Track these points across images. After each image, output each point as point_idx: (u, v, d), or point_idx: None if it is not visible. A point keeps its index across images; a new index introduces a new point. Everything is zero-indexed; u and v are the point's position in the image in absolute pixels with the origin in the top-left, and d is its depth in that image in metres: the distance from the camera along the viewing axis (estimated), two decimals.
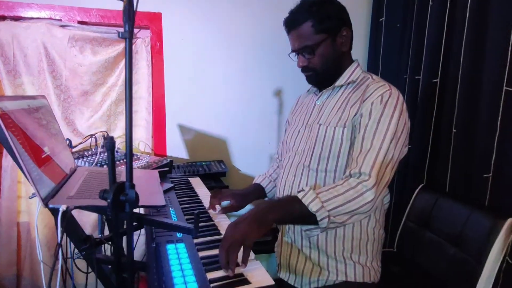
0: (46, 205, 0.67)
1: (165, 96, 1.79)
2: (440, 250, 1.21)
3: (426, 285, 1.25)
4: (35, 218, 1.48)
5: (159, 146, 1.81)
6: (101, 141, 1.52)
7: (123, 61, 1.69)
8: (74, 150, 1.48)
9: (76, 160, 1.28)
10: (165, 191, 1.20)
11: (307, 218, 0.83)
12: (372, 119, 0.89)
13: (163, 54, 1.75)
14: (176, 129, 1.83)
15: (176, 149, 1.85)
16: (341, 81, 1.02)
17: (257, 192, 1.22)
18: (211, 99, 1.86)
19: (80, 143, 1.52)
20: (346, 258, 0.96)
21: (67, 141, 1.35)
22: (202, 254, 0.79)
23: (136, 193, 0.65)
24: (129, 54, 0.61)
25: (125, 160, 1.35)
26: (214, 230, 0.93)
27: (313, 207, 0.81)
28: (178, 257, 0.75)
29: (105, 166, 1.25)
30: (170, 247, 0.79)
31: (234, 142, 1.93)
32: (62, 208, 0.67)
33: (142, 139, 1.78)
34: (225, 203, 1.11)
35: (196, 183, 1.41)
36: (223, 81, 1.87)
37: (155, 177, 0.99)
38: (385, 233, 1.04)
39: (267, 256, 1.95)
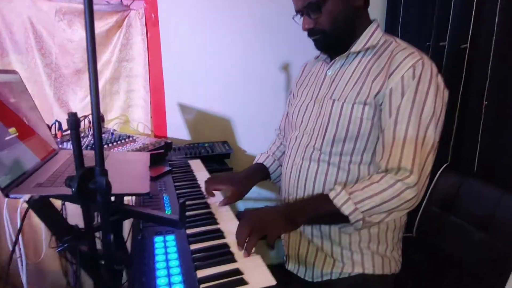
0: (6, 195, 0.58)
1: (164, 73, 1.67)
2: (466, 235, 1.09)
3: (449, 273, 1.13)
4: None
5: (159, 127, 1.71)
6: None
7: (117, 36, 1.57)
8: (67, 133, 1.39)
9: (65, 143, 1.19)
10: (161, 175, 1.10)
11: (339, 219, 0.76)
12: (405, 98, 0.75)
13: (159, 27, 1.61)
14: (176, 108, 1.72)
15: (178, 130, 1.74)
16: (357, 46, 0.85)
17: (260, 173, 1.07)
18: (213, 75, 1.73)
19: None
20: (363, 248, 0.85)
21: (56, 123, 1.26)
22: (194, 247, 0.69)
23: (108, 181, 0.54)
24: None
25: (119, 142, 1.25)
26: (210, 219, 0.82)
27: (345, 210, 0.74)
28: (165, 252, 0.65)
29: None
30: (158, 240, 0.69)
31: (239, 122, 1.81)
32: (24, 198, 0.57)
33: (141, 120, 1.67)
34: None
35: (196, 166, 1.31)
36: (226, 55, 1.72)
37: (144, 161, 0.89)
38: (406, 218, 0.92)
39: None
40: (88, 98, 1.57)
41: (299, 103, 0.96)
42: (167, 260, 0.63)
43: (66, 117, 1.46)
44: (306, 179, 0.87)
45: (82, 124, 1.41)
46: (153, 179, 1.07)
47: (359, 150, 0.81)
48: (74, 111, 1.57)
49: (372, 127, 0.79)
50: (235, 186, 0.96)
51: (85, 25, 0.50)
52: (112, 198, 0.80)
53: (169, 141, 1.40)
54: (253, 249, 0.68)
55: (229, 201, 0.93)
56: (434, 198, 1.24)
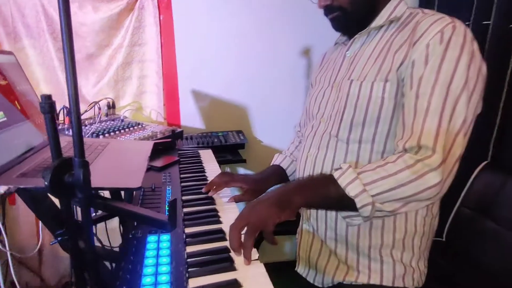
0: None
1: (177, 58, 1.59)
2: (504, 244, 0.96)
3: (482, 284, 1.01)
4: None
5: (172, 114, 1.65)
6: (104, 109, 1.38)
7: (128, 19, 1.51)
8: (81, 117, 1.36)
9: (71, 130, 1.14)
10: (167, 166, 1.04)
11: (344, 203, 0.63)
12: (430, 66, 0.62)
13: (172, 9, 1.53)
14: (190, 95, 1.65)
15: (191, 118, 1.67)
16: (378, 21, 0.74)
17: (277, 175, 0.99)
18: (228, 61, 1.64)
19: (85, 111, 1.40)
20: (384, 255, 0.75)
21: (64, 109, 1.22)
22: (190, 249, 0.62)
23: (87, 173, 0.47)
24: None
25: (127, 130, 1.20)
26: (213, 217, 0.75)
27: (351, 191, 0.62)
28: (156, 254, 0.58)
29: (101, 137, 1.11)
30: (151, 239, 0.63)
31: (255, 110, 1.72)
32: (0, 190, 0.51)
33: (154, 107, 1.62)
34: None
35: (207, 156, 1.23)
36: (242, 39, 1.62)
37: (145, 151, 0.82)
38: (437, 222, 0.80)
39: (289, 238, 1.78)
40: (101, 84, 1.54)
41: (316, 91, 0.87)
42: (156, 265, 0.55)
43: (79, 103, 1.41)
44: (322, 170, 0.77)
45: (92, 110, 1.37)
46: (158, 169, 1.01)
47: (381, 136, 0.70)
48: (86, 96, 1.54)
49: (396, 107, 0.68)
50: (249, 185, 0.89)
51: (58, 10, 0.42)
52: (106, 194, 0.75)
53: (179, 129, 1.34)
54: (255, 255, 0.60)
55: (240, 198, 0.86)
56: (469, 199, 1.10)
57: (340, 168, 0.66)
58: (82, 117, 1.38)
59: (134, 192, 0.80)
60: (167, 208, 0.76)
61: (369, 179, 0.62)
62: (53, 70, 1.47)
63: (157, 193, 0.85)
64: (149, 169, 1.01)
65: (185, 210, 0.78)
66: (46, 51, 1.46)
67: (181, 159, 1.14)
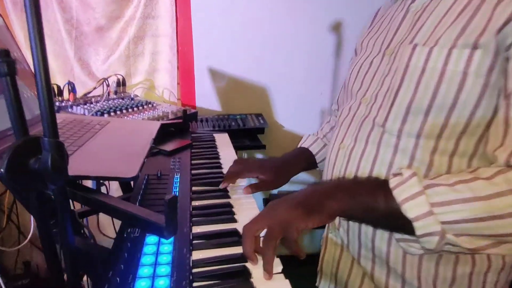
0: None
1: (193, 33, 1.46)
2: None
3: None
4: None
5: (187, 95, 1.52)
6: (113, 87, 1.27)
7: None
8: (89, 95, 1.26)
9: (77, 108, 1.04)
10: (177, 150, 0.92)
11: (396, 223, 0.47)
12: None
13: None
14: (206, 74, 1.51)
15: (207, 98, 1.54)
16: None
17: (302, 161, 0.82)
18: (249, 37, 1.48)
19: (94, 88, 1.29)
20: None
21: (68, 85, 1.12)
22: (197, 256, 0.50)
23: (57, 158, 0.35)
24: None
25: (135, 109, 1.08)
26: (226, 214, 0.62)
27: (410, 210, 0.44)
28: (154, 261, 0.46)
29: (106, 116, 1.00)
30: (150, 241, 0.51)
31: (277, 92, 1.57)
32: None
33: (167, 86, 1.50)
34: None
35: (222, 141, 1.10)
36: (264, 13, 1.46)
37: (148, 133, 0.70)
38: None
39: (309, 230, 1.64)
40: (112, 59, 1.42)
41: (361, 60, 0.68)
42: (153, 277, 0.43)
43: (88, 79, 1.31)
44: (357, 170, 0.60)
45: (100, 88, 1.27)
46: (168, 153, 0.89)
47: (454, 131, 0.50)
48: (96, 73, 1.44)
49: (487, 89, 0.47)
50: (265, 175, 0.72)
51: None
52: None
53: (193, 110, 1.21)
54: (278, 267, 0.47)
55: (256, 188, 0.71)
56: None
57: (400, 174, 0.47)
58: (90, 94, 1.28)
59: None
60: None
61: (442, 197, 0.43)
62: (61, 44, 1.37)
63: (163, 182, 0.73)
64: (157, 152, 0.90)
65: (194, 203, 0.66)
66: (53, 22, 1.35)
67: (194, 143, 1.02)
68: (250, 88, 1.54)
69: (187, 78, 1.50)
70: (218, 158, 0.93)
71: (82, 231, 0.67)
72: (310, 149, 0.84)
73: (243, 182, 0.77)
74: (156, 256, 0.48)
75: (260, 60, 1.51)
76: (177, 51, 1.45)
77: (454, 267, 0.54)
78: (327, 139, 0.86)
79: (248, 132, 1.40)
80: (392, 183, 0.47)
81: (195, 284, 0.44)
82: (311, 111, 1.59)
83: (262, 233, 0.49)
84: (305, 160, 0.83)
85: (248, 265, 0.48)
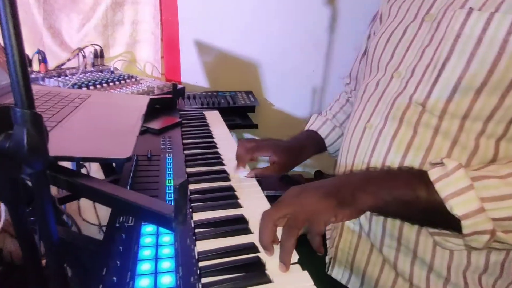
0: None
1: (178, 1, 1.34)
2: None
3: None
4: None
5: (172, 69, 1.42)
6: (90, 56, 1.15)
7: None
8: (63, 67, 1.13)
9: (49, 80, 0.93)
10: (167, 128, 0.84)
11: (439, 219, 0.43)
12: None
13: None
14: (192, 47, 1.41)
15: (193, 74, 1.45)
16: None
17: (313, 145, 0.76)
18: (238, 9, 1.38)
19: (68, 59, 1.16)
20: (470, 280, 0.52)
21: (39, 54, 0.99)
22: (202, 247, 0.44)
23: (34, 134, 0.27)
24: None
25: (117, 83, 0.98)
26: (230, 198, 0.56)
27: (457, 206, 0.40)
28: (155, 255, 0.40)
29: (84, 89, 0.89)
30: (147, 231, 0.44)
31: (267, 68, 1.49)
32: None
33: (149, 60, 1.38)
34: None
35: (214, 119, 1.03)
36: None
37: (137, 108, 0.61)
38: None
39: None
40: (87, 28, 1.29)
41: (390, 28, 0.60)
42: (155, 273, 0.37)
43: (60, 50, 1.17)
44: (388, 152, 0.53)
45: (74, 60, 1.14)
46: (156, 132, 0.81)
47: (508, 114, 0.45)
48: (69, 43, 1.30)
49: None
50: (279, 156, 0.65)
51: None
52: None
53: (181, 85, 1.12)
54: (294, 256, 0.43)
55: (262, 173, 0.65)
56: None
57: (441, 163, 0.42)
58: (64, 67, 1.15)
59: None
60: (168, 187, 0.57)
61: (493, 192, 0.39)
62: (27, 7, 1.21)
63: (155, 163, 0.66)
64: (144, 131, 0.82)
65: (191, 187, 0.59)
66: None
67: (184, 121, 0.94)
68: (239, 63, 1.46)
69: (172, 51, 1.39)
70: (211, 137, 0.86)
71: (63, 218, 0.59)
72: (319, 132, 0.78)
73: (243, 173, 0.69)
74: (156, 249, 0.41)
75: (250, 33, 1.42)
76: (161, 20, 1.33)
77: (487, 256, 0.51)
78: (337, 121, 0.79)
79: (239, 110, 1.33)
80: (433, 175, 0.42)
81: (203, 280, 0.38)
82: (303, 89, 1.53)
83: None
84: (315, 144, 0.76)
85: (263, 255, 0.43)
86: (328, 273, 0.67)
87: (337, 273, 0.66)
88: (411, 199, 0.42)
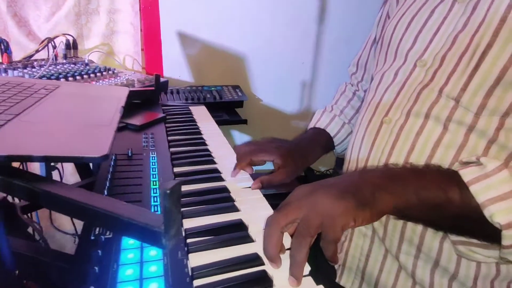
0: None
1: None
2: None
3: None
4: None
5: (153, 62, 1.32)
6: (61, 47, 1.05)
7: None
8: (32, 59, 1.02)
9: (11, 72, 0.82)
10: (149, 124, 0.76)
11: (473, 226, 0.37)
12: None
13: None
14: (175, 39, 1.32)
15: (176, 68, 1.36)
16: None
17: (321, 145, 0.68)
18: None
19: (37, 50, 1.05)
20: (498, 286, 0.47)
21: (1, 43, 0.89)
22: (196, 260, 0.37)
23: None
24: None
25: (92, 76, 0.89)
26: (226, 201, 0.49)
27: (499, 215, 0.34)
28: (139, 275, 0.33)
29: (62, 79, 0.80)
30: (129, 244, 0.37)
31: (255, 61, 1.42)
32: None
33: (129, 52, 1.28)
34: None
35: (200, 114, 0.96)
36: None
37: (115, 100, 0.53)
38: None
39: None
40: (57, 17, 1.18)
41: (412, 9, 0.53)
42: None
43: (28, 40, 1.06)
44: (411, 151, 0.47)
45: (43, 52, 1.04)
46: (137, 129, 0.73)
47: None
48: (37, 33, 1.19)
49: None
50: (285, 160, 0.56)
51: None
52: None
53: (164, 79, 1.04)
54: (307, 269, 0.36)
55: (273, 180, 0.54)
56: None
57: (478, 163, 0.37)
58: (32, 58, 1.04)
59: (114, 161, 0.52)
60: (154, 190, 0.49)
61: None
62: None
63: (137, 163, 0.58)
64: (124, 128, 0.73)
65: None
66: None
67: (168, 117, 0.86)
68: (225, 56, 1.38)
69: (153, 43, 1.30)
70: (199, 133, 0.78)
71: (31, 230, 0.50)
72: (327, 130, 0.70)
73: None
74: (140, 267, 0.34)
75: (236, 24, 1.35)
76: (140, 9, 1.24)
77: None
78: (346, 117, 0.72)
79: (226, 105, 1.26)
80: (468, 175, 0.36)
81: None
82: (292, 82, 1.47)
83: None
84: (324, 145, 0.69)
85: (268, 268, 0.36)
86: (337, 281, 0.61)
87: (346, 281, 0.60)
88: (441, 202, 0.36)
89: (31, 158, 0.28)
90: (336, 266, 0.62)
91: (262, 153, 0.57)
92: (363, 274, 0.57)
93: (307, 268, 0.37)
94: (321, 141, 0.69)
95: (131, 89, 0.81)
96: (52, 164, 0.78)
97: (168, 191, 0.22)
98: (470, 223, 0.36)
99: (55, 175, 0.82)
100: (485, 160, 0.37)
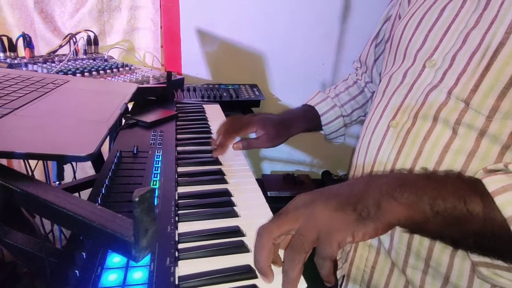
0: None
1: None
2: None
3: None
4: None
5: (172, 60, 1.33)
6: (82, 43, 1.07)
7: None
8: (56, 53, 1.05)
9: (31, 66, 0.85)
10: (159, 122, 0.75)
11: (499, 245, 0.32)
12: None
13: None
14: (194, 37, 1.32)
15: (195, 65, 1.36)
16: None
17: (306, 120, 0.71)
18: None
19: (60, 45, 1.08)
20: None
21: (24, 38, 0.91)
22: (186, 269, 0.35)
23: None
24: None
25: (108, 72, 0.90)
26: (224, 205, 0.47)
27: None
28: (122, 282, 0.31)
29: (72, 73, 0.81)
30: (111, 262, 0.35)
31: (274, 61, 1.39)
32: None
33: (149, 49, 1.30)
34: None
35: (214, 113, 0.94)
36: None
37: (120, 96, 0.52)
38: None
39: None
40: (81, 14, 1.20)
41: (422, 8, 0.50)
42: None
43: (53, 36, 1.09)
44: (418, 156, 0.44)
45: (67, 46, 1.06)
46: (147, 126, 0.73)
47: None
48: (62, 29, 1.22)
49: None
50: (266, 129, 0.63)
51: None
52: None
53: (179, 76, 1.03)
54: (301, 285, 0.33)
55: (252, 144, 0.63)
56: None
57: (506, 170, 0.33)
58: (57, 53, 1.07)
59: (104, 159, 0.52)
60: (156, 186, 0.48)
61: None
62: None
63: (141, 160, 0.57)
64: (135, 124, 0.73)
65: (181, 190, 0.51)
66: None
67: (180, 115, 0.85)
68: (244, 55, 1.36)
69: (172, 41, 1.30)
70: (209, 132, 0.77)
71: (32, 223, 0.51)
72: (316, 108, 0.72)
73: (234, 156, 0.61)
74: (125, 272, 0.32)
75: (255, 22, 1.33)
76: (161, 6, 1.24)
77: None
78: (339, 101, 0.73)
79: (242, 104, 1.24)
80: (493, 184, 0.31)
81: None
82: (312, 83, 1.43)
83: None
84: (309, 119, 0.71)
85: (259, 282, 0.34)
86: None
87: None
88: (461, 215, 0.31)
89: (12, 155, 0.27)
90: (338, 275, 0.58)
91: (245, 127, 0.62)
92: (368, 286, 0.53)
93: (304, 285, 0.34)
94: (307, 116, 0.71)
95: (143, 85, 0.81)
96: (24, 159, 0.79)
97: (136, 199, 0.20)
98: (494, 241, 0.32)
99: (69, 173, 0.83)
100: (500, 165, 0.32)
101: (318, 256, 0.32)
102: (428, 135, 0.44)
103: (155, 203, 0.44)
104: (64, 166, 0.80)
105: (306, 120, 0.71)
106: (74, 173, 0.84)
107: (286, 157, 1.54)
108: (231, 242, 0.39)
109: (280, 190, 1.38)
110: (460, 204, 0.32)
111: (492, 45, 0.39)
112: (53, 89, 0.50)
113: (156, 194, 0.47)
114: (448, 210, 0.32)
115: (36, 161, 0.82)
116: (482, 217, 0.31)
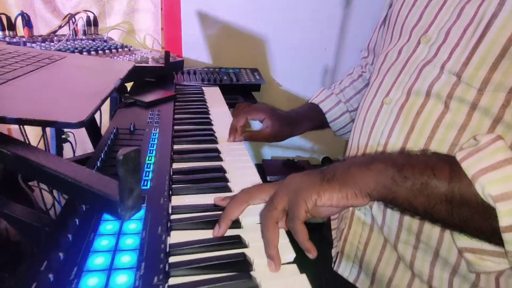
0: None
1: None
2: None
3: None
4: None
5: (172, 42, 1.32)
6: (82, 24, 1.06)
7: None
8: (57, 33, 1.04)
9: (30, 45, 0.84)
10: (157, 102, 0.75)
11: (472, 215, 0.32)
12: None
13: None
14: (195, 19, 1.30)
15: (195, 48, 1.35)
16: None
17: (311, 118, 0.70)
18: None
19: (60, 26, 1.07)
20: (504, 284, 0.43)
21: (23, 16, 0.91)
22: (177, 238, 0.35)
23: None
24: None
25: (107, 52, 0.89)
26: (218, 180, 0.48)
27: (492, 185, 0.29)
28: (114, 247, 0.32)
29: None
30: (104, 229, 0.35)
31: (275, 45, 1.38)
32: None
33: (149, 31, 1.28)
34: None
35: (213, 95, 0.94)
36: None
37: (115, 72, 0.52)
38: None
39: None
40: None
41: None
42: (109, 270, 0.29)
43: (53, 17, 1.08)
44: (411, 131, 0.44)
45: (66, 28, 1.05)
46: (145, 105, 0.73)
47: None
48: (62, 10, 1.21)
49: None
50: (272, 120, 0.63)
51: None
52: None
53: (178, 58, 1.03)
54: (290, 255, 0.34)
55: (255, 136, 0.64)
56: None
57: (476, 142, 0.33)
58: (56, 33, 1.06)
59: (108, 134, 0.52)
60: (147, 165, 0.48)
61: None
62: None
63: (137, 138, 0.57)
64: (133, 103, 0.73)
65: (176, 166, 0.51)
66: None
67: (179, 96, 0.85)
68: (245, 38, 1.35)
69: (172, 23, 1.29)
70: (207, 113, 0.77)
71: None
72: (320, 105, 0.71)
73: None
74: (117, 238, 0.33)
75: (257, 5, 1.31)
76: None
77: None
78: (344, 96, 0.72)
79: (242, 88, 1.23)
80: (461, 153, 0.32)
81: (171, 280, 0.30)
82: (313, 68, 1.41)
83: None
84: (315, 117, 0.71)
85: (249, 251, 0.35)
86: (335, 269, 0.58)
87: (344, 269, 0.57)
88: (430, 179, 0.32)
89: (4, 120, 0.27)
90: (333, 253, 0.59)
91: (255, 112, 0.64)
92: (361, 263, 0.54)
93: (291, 255, 0.35)
94: (311, 115, 0.71)
95: (141, 65, 0.81)
96: (63, 136, 0.80)
97: (120, 157, 0.21)
98: (465, 209, 0.32)
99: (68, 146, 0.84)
100: (480, 136, 0.33)
101: (288, 219, 0.34)
102: (420, 110, 0.44)
103: (150, 177, 0.45)
104: (63, 144, 0.81)
105: (309, 120, 0.70)
106: (74, 152, 0.84)
107: (286, 142, 1.54)
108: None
109: (280, 175, 1.39)
110: (427, 170, 0.33)
111: (485, 17, 0.38)
112: (49, 64, 0.50)
113: (151, 169, 0.47)
114: (416, 174, 0.33)
115: (36, 139, 0.82)
116: (448, 181, 0.32)
